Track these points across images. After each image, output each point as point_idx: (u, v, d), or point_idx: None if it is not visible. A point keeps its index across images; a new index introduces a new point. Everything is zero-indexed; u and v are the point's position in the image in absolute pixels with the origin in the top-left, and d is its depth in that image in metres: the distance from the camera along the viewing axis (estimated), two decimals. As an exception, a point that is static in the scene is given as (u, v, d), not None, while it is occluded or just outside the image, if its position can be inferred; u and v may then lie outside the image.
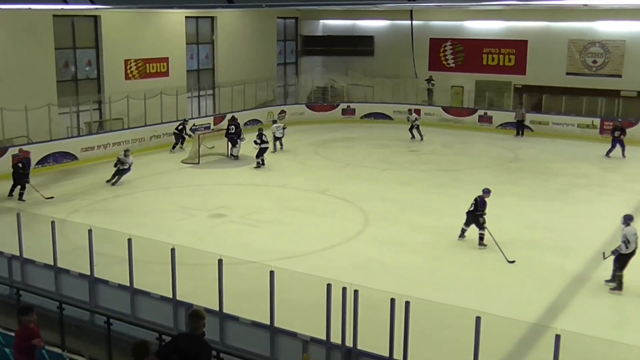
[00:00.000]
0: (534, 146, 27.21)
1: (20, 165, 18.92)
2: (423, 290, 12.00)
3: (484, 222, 14.97)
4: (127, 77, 27.23)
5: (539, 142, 28.08)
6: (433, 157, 25.51)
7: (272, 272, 9.28)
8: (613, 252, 12.66)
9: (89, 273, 11.25)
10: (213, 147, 24.45)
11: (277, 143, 25.46)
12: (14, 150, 20.61)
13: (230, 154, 24.44)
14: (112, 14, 26.02)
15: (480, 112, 31.22)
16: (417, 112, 29.27)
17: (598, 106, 29.40)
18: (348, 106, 33.20)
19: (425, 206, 18.52)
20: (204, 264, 11.60)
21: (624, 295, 12.56)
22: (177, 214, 17.68)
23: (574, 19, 29.70)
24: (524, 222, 16.95)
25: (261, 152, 23.06)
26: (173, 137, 25.85)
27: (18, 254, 12.20)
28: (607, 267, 13.03)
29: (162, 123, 26.58)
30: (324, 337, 9.12)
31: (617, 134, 24.86)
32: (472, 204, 15.26)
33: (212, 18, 31.11)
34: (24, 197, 18.70)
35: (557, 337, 7.42)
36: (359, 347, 8.93)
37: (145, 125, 26.04)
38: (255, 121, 29.79)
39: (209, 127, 27.46)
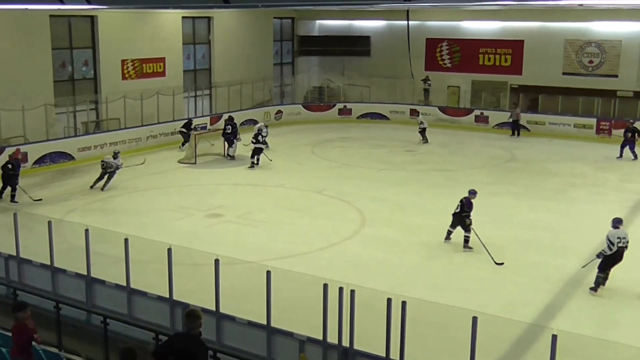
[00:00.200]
0: (530, 146, 27.25)
1: (9, 166, 18.66)
2: (420, 290, 12.06)
3: (470, 223, 14.66)
4: (123, 77, 27.19)
5: (535, 142, 28.13)
6: (429, 157, 25.53)
7: (268, 272, 9.29)
8: (598, 256, 12.69)
9: (85, 273, 11.23)
10: (213, 144, 24.48)
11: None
12: (10, 150, 20.51)
13: (227, 154, 24.47)
14: (108, 14, 25.98)
15: (477, 112, 31.29)
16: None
17: (594, 106, 29.49)
18: (344, 106, 33.23)
19: (422, 206, 18.53)
20: (200, 264, 11.61)
21: (620, 296, 12.58)
22: (174, 213, 17.67)
23: (570, 19, 29.72)
24: (520, 222, 16.96)
25: (255, 152, 23.09)
26: (173, 136, 25.96)
27: (15, 254, 12.18)
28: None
29: (158, 123, 26.60)
30: (320, 337, 9.12)
31: (629, 135, 24.64)
32: (457, 205, 14.91)
33: (209, 18, 31.10)
34: (16, 199, 18.46)
35: (554, 337, 7.42)
36: (356, 347, 8.92)
37: (142, 126, 26.06)
38: (251, 121, 29.76)
39: (205, 127, 27.45)
